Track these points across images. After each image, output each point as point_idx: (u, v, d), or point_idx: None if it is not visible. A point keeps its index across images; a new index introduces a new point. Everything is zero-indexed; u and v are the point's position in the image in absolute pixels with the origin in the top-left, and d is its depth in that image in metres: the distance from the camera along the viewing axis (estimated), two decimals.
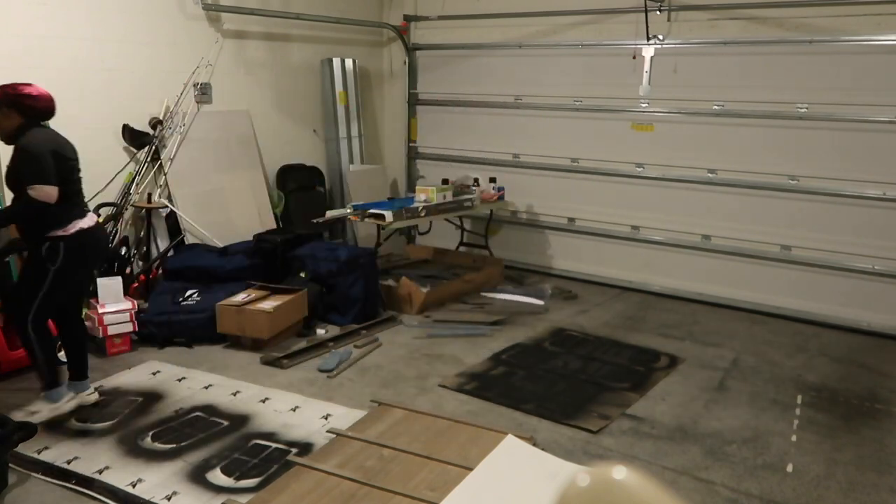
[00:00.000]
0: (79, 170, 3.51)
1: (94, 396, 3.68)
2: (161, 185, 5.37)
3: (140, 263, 5.20)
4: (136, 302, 4.49)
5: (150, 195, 5.25)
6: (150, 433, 3.42)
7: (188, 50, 5.50)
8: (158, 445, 3.31)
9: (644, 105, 5.91)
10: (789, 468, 3.26)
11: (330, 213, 5.76)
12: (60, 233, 3.35)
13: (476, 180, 6.15)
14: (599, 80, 6.10)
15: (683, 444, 3.46)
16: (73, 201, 3.43)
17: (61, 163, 3.33)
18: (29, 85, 3.38)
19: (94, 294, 4.39)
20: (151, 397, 3.80)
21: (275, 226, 6.03)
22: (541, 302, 5.64)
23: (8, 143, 3.35)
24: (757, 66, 5.39)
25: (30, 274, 3.42)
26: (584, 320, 5.29)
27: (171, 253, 5.27)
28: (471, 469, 3.03)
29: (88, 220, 3.49)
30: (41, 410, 3.56)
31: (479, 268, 6.13)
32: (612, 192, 6.21)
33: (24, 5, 4.51)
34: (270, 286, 4.84)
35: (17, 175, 3.28)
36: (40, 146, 3.26)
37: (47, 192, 3.24)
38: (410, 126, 7.35)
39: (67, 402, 3.60)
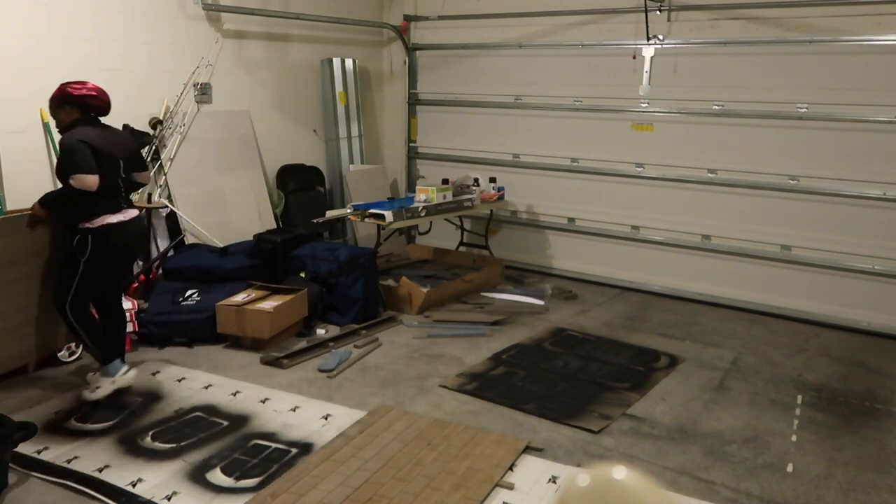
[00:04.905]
0: (119, 167, 3.65)
1: (132, 374, 3.81)
2: (161, 185, 5.37)
3: (140, 263, 5.20)
4: (136, 302, 4.50)
5: (150, 195, 5.25)
6: (150, 433, 3.42)
7: (188, 50, 5.50)
8: (158, 445, 3.31)
9: (644, 105, 5.91)
10: (789, 468, 3.26)
11: (330, 213, 5.76)
12: (87, 225, 3.51)
13: (476, 180, 6.14)
14: (599, 80, 6.10)
15: (683, 444, 3.46)
16: (104, 196, 3.54)
17: (98, 157, 3.47)
18: (86, 83, 3.58)
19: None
20: (151, 397, 3.80)
21: (275, 226, 6.03)
22: (541, 302, 5.64)
23: (61, 134, 3.54)
24: (757, 66, 5.39)
25: (66, 263, 3.61)
26: (584, 320, 5.29)
27: (171, 253, 5.27)
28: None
29: (120, 216, 3.62)
30: (101, 385, 3.69)
31: (479, 268, 6.12)
32: (612, 192, 6.21)
33: (24, 5, 4.51)
34: (270, 286, 4.84)
35: (60, 167, 3.50)
36: (75, 139, 3.44)
37: (88, 182, 3.40)
38: (410, 126, 7.36)
39: (124, 374, 3.76)
